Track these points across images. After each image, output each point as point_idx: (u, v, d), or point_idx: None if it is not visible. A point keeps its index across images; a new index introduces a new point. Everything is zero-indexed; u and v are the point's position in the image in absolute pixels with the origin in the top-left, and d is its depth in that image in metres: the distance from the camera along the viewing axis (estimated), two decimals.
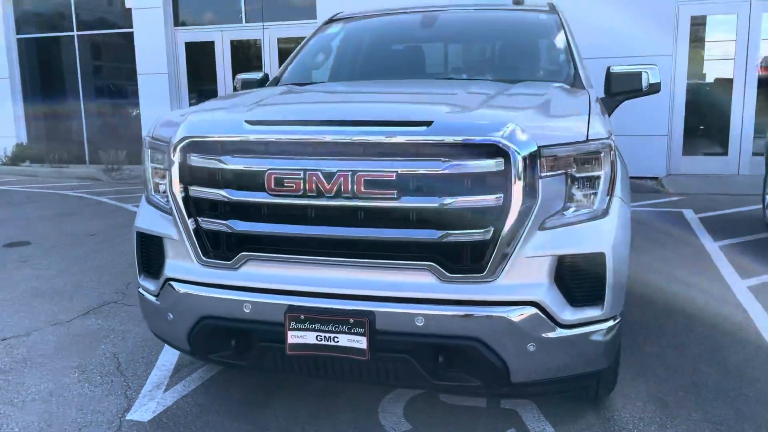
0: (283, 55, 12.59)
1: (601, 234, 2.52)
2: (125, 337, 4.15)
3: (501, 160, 2.37)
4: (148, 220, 2.97)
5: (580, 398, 3.18)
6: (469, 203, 2.40)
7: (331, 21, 4.57)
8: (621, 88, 3.73)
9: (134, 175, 12.73)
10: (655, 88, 3.74)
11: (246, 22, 12.55)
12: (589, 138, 2.50)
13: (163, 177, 2.91)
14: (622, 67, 3.76)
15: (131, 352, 3.90)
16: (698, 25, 10.78)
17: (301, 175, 2.48)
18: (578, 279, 2.50)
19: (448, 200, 2.39)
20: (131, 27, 13.07)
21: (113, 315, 4.55)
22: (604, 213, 2.55)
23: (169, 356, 3.81)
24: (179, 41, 13.06)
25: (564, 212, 2.50)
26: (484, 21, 4.26)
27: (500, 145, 2.35)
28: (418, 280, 2.48)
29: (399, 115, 2.55)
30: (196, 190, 2.69)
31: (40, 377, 3.58)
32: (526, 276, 2.44)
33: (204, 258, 2.72)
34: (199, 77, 13.17)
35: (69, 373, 3.63)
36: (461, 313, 2.44)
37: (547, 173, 2.43)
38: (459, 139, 2.38)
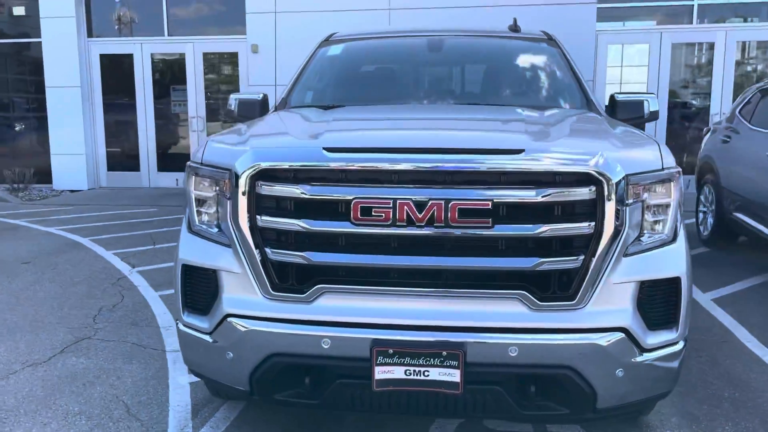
0: (211, 70, 12.21)
1: (676, 259, 2.61)
2: (120, 376, 3.83)
3: (593, 187, 2.41)
4: (197, 251, 2.77)
5: (620, 419, 3.26)
6: (563, 231, 2.42)
7: (328, 42, 4.48)
8: (626, 115, 3.88)
9: (43, 195, 11.86)
10: (654, 116, 3.94)
11: (169, 35, 12.06)
12: (664, 166, 2.59)
13: (212, 206, 2.75)
14: (625, 95, 3.93)
15: (135, 394, 3.60)
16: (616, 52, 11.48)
17: (391, 204, 2.41)
18: (656, 303, 2.57)
19: (542, 228, 2.39)
20: (39, 37, 12.21)
21: (94, 352, 4.19)
22: (674, 238, 2.65)
23: (179, 395, 3.56)
24: (93, 53, 12.34)
25: (641, 238, 2.57)
26: (492, 47, 4.33)
27: (594, 173, 2.39)
28: (509, 309, 2.46)
29: (490, 143, 2.54)
30: (267, 221, 2.54)
31: (43, 427, 3.23)
32: (613, 302, 2.48)
33: (273, 292, 2.57)
34: (116, 92, 12.50)
35: (75, 421, 3.30)
36: (553, 342, 2.44)
37: (631, 200, 2.49)
38: (553, 167, 2.40)
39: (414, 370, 2.43)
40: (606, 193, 2.40)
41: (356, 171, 2.47)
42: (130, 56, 12.29)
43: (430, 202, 2.39)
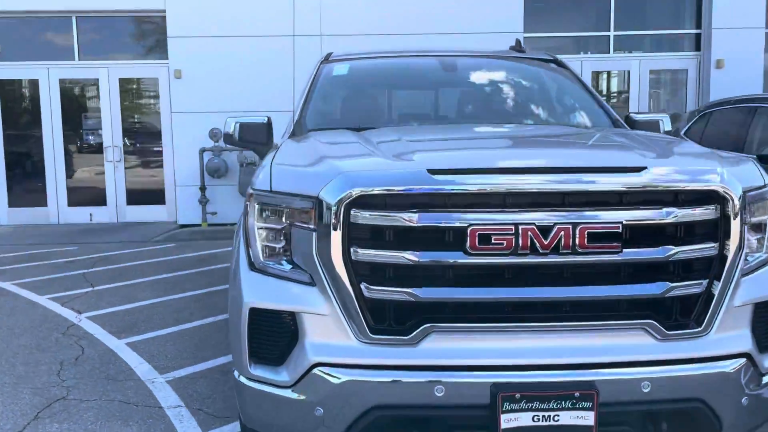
0: (126, 97, 11.43)
1: None
2: None
3: (718, 206, 2.28)
4: (268, 292, 2.38)
5: None
6: (692, 253, 2.26)
7: (329, 61, 4.18)
8: None
9: None
10: (668, 135, 3.94)
11: (80, 59, 11.19)
12: (766, 183, 2.52)
13: (281, 239, 2.39)
14: (643, 115, 3.91)
15: None
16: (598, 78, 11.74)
17: (513, 231, 2.16)
18: (765, 324, 2.47)
19: (673, 250, 2.23)
20: None
21: (77, 415, 3.60)
22: None
23: None
24: None
25: (747, 258, 2.46)
26: (508, 67, 4.20)
27: (721, 189, 2.26)
28: (637, 341, 2.27)
29: (610, 161, 2.36)
30: (366, 254, 2.22)
31: None
32: (734, 326, 2.35)
33: (371, 335, 2.24)
34: (17, 121, 11.43)
35: None
36: (684, 373, 2.26)
37: (748, 217, 2.38)
38: (679, 184, 2.25)
39: (543, 416, 2.17)
40: (731, 210, 2.27)
41: (470, 195, 2.20)
42: (35, 82, 11.28)
43: (556, 226, 2.16)
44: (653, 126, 3.86)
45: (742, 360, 2.33)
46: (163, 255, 8.39)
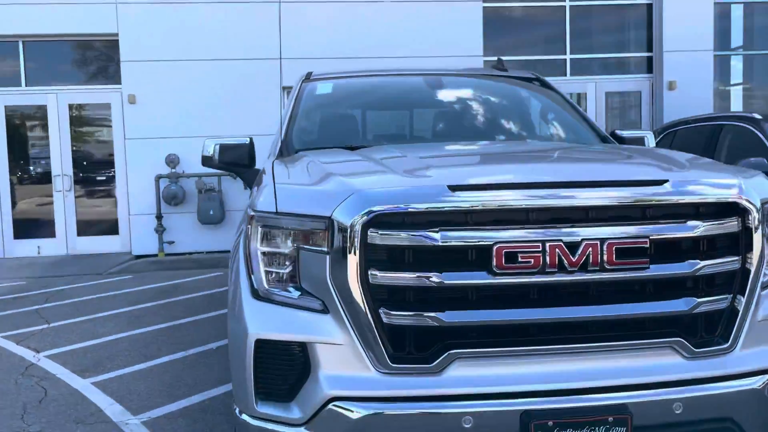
0: (77, 123, 11.01)
1: None
2: None
3: (740, 218, 2.23)
4: (275, 322, 2.21)
5: None
6: (717, 267, 2.20)
7: (310, 80, 4.04)
8: None
9: None
10: None
11: (27, 85, 10.74)
12: None
13: (287, 264, 2.23)
14: (628, 132, 3.90)
15: None
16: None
17: (540, 248, 2.05)
18: None
19: (699, 265, 2.16)
20: None
21: None
22: None
23: None
24: None
25: (765, 272, 2.42)
26: (495, 86, 4.15)
27: (744, 201, 2.21)
28: (666, 360, 2.18)
29: (631, 174, 2.29)
30: (385, 277, 2.08)
31: None
32: (758, 341, 2.28)
33: (392, 364, 2.09)
34: None
35: None
36: (713, 392, 2.19)
37: (765, 231, 2.34)
38: (701, 197, 2.19)
39: None
40: (752, 222, 2.22)
41: (493, 211, 2.09)
42: None
43: (584, 242, 2.07)
44: (639, 142, 3.85)
45: (760, 378, 2.26)
46: (120, 287, 8.01)
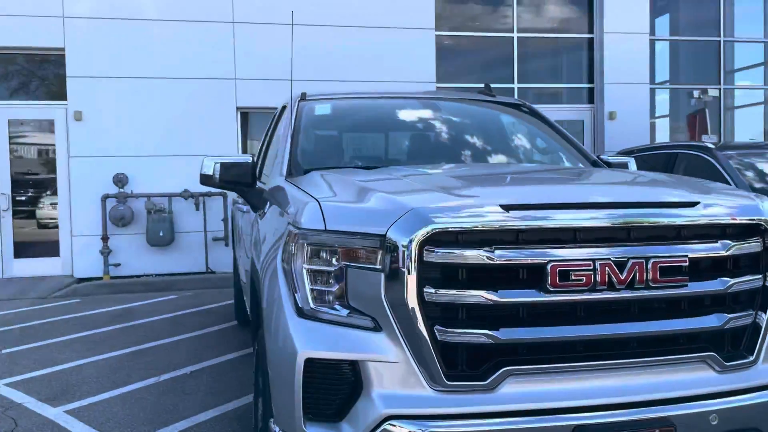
0: (17, 140, 10.51)
1: None
2: None
3: (761, 239, 2.37)
4: (325, 341, 2.19)
5: None
6: (745, 285, 2.33)
7: (306, 100, 4.02)
8: None
9: None
10: None
11: None
12: None
13: (332, 282, 2.22)
14: (613, 158, 4.08)
15: None
16: None
17: (591, 266, 2.13)
18: None
19: (731, 282, 2.29)
20: None
21: None
22: None
23: None
24: None
25: None
26: (488, 113, 4.26)
27: (763, 224, 2.35)
28: (701, 374, 2.28)
29: (667, 196, 2.39)
30: (441, 295, 2.10)
31: None
32: None
33: (447, 382, 2.10)
34: None
35: None
36: (743, 404, 2.30)
37: None
38: (731, 219, 2.33)
39: None
40: None
41: (546, 230, 2.15)
42: None
43: (630, 261, 2.16)
44: (624, 166, 4.04)
45: None
46: (69, 312, 7.66)
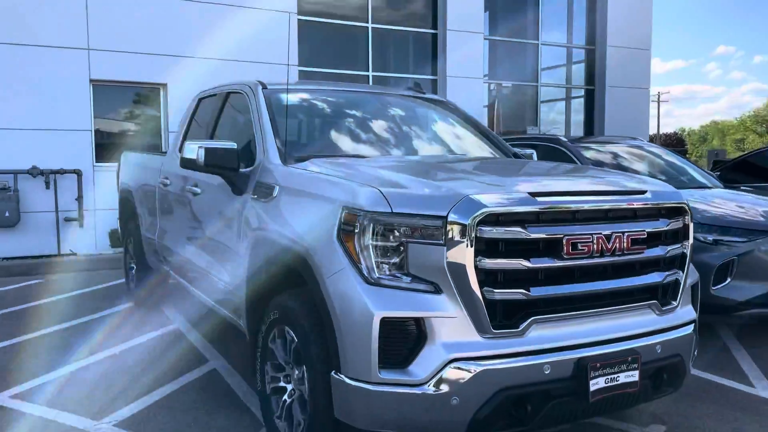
0: None
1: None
2: None
3: (683, 217, 3.26)
4: (395, 302, 2.68)
5: None
6: (675, 251, 3.20)
7: (267, 89, 4.29)
8: None
9: None
10: None
11: None
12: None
13: (393, 255, 2.73)
14: (519, 150, 4.92)
15: None
16: None
17: (591, 239, 2.85)
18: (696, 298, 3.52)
19: (668, 249, 3.14)
20: None
21: None
22: None
23: None
24: None
25: None
26: (423, 106, 4.86)
27: (684, 207, 3.25)
28: (648, 317, 3.12)
29: (632, 186, 3.18)
30: (490, 263, 2.69)
31: None
32: (686, 302, 3.35)
33: (493, 330, 2.70)
34: None
35: None
36: (673, 337, 3.18)
37: None
38: (668, 202, 3.18)
39: (610, 378, 2.88)
40: (690, 220, 3.28)
41: (561, 212, 2.83)
42: None
43: (614, 234, 2.92)
44: (530, 157, 4.89)
45: (693, 324, 3.34)
46: None
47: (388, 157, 3.90)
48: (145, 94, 10.77)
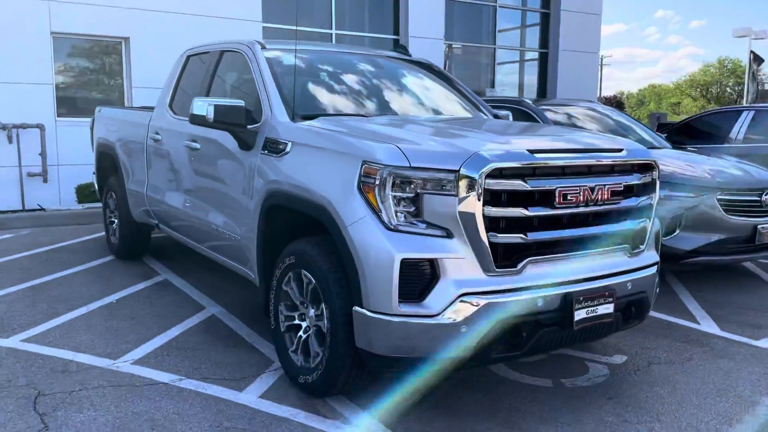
0: None
1: None
2: None
3: (651, 172, 3.72)
4: (413, 245, 3.05)
5: None
6: (645, 202, 3.66)
7: (266, 49, 4.52)
8: None
9: None
10: None
11: None
12: None
13: (409, 204, 3.09)
14: (501, 111, 5.31)
15: None
16: None
17: (578, 191, 3.28)
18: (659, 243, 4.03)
19: (639, 200, 3.61)
20: None
21: None
22: None
23: None
24: None
25: None
26: (412, 68, 5.16)
27: (653, 163, 3.71)
28: (622, 258, 3.59)
29: (611, 144, 3.62)
30: (496, 211, 3.08)
31: None
32: (650, 246, 3.82)
33: (496, 269, 3.11)
34: None
35: None
36: (640, 276, 3.66)
37: None
38: (640, 159, 3.63)
39: (590, 310, 3.33)
40: (657, 175, 3.74)
41: (554, 167, 3.24)
42: None
43: (597, 187, 3.35)
44: (506, 118, 5.29)
45: (656, 266, 3.84)
46: None
47: (389, 116, 4.23)
48: (107, 48, 10.65)
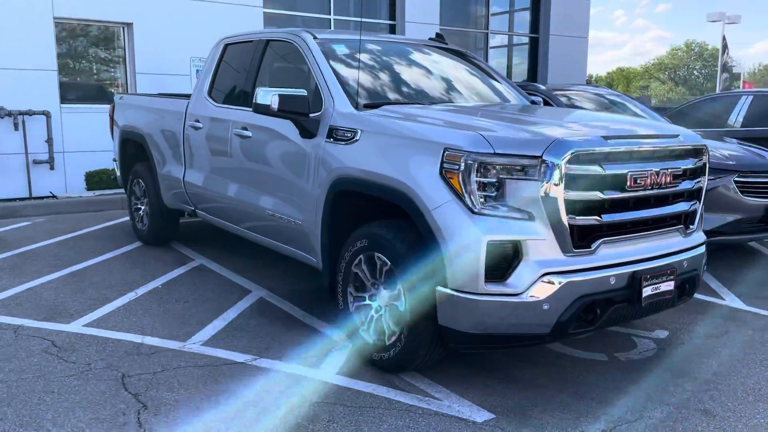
0: None
1: None
2: None
3: (702, 157, 3.93)
4: (498, 228, 3.23)
5: None
6: (698, 185, 3.89)
7: (318, 40, 4.63)
8: None
9: None
10: None
11: None
12: None
13: (492, 189, 3.25)
14: (533, 97, 5.50)
15: None
16: None
17: (647, 174, 3.49)
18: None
19: (695, 183, 3.83)
20: None
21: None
22: None
23: None
24: None
25: None
26: (453, 57, 5.31)
27: (703, 147, 3.93)
28: (678, 238, 3.82)
29: (670, 131, 3.81)
30: (575, 195, 3.27)
31: None
32: (699, 227, 4.06)
33: (574, 249, 3.31)
34: None
35: None
36: (693, 255, 3.89)
37: None
38: (694, 144, 3.85)
39: (655, 287, 3.56)
40: (707, 159, 3.96)
41: (624, 153, 3.44)
42: None
43: (661, 171, 3.56)
44: (539, 104, 5.47)
45: (704, 246, 4.07)
46: None
47: (450, 104, 4.38)
48: (110, 34, 10.56)
